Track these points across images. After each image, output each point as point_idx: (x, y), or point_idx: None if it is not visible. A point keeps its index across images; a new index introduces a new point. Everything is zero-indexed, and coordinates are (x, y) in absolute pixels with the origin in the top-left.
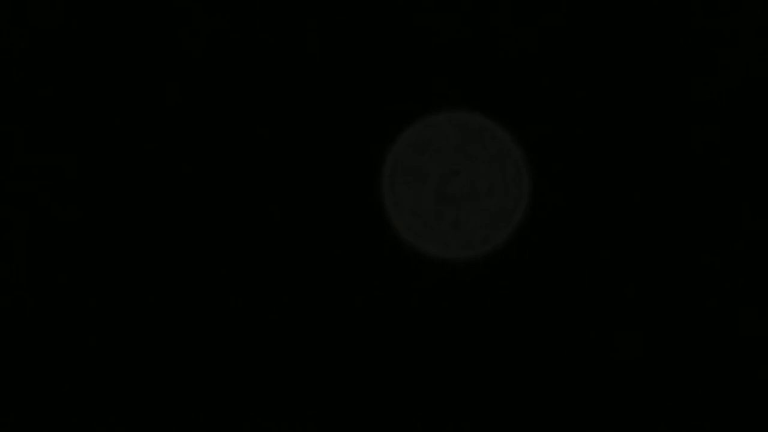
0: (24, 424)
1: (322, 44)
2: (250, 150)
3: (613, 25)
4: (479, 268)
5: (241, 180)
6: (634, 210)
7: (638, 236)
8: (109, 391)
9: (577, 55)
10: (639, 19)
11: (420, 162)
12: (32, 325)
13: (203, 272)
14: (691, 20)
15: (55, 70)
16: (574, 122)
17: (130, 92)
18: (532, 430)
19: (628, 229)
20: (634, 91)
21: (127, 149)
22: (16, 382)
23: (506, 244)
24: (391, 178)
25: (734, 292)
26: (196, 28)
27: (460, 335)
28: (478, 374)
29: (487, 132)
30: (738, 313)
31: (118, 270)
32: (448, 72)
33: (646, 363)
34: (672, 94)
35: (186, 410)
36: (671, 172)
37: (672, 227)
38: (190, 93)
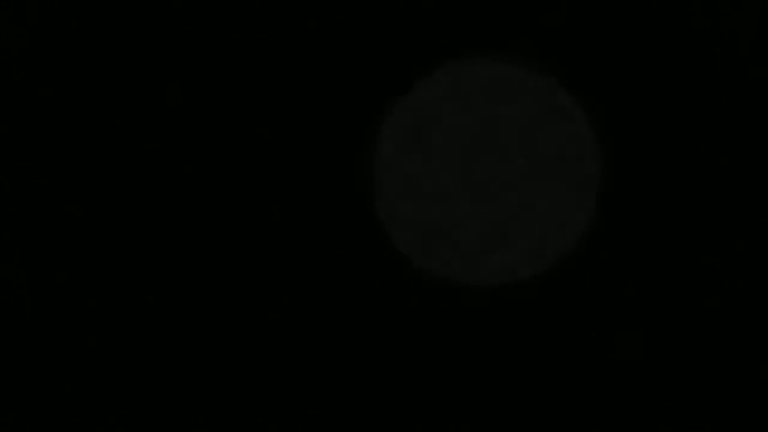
0: (24, 424)
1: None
2: (246, 148)
3: None
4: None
5: (226, 184)
6: (634, 209)
7: (638, 236)
8: (109, 391)
9: None
10: None
11: (426, 136)
12: (32, 325)
13: (200, 271)
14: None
15: (55, 70)
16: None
17: (128, 92)
18: (532, 430)
19: (627, 228)
20: (636, 89)
21: (125, 148)
22: (16, 382)
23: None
24: (385, 165)
25: (734, 292)
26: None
27: (459, 336)
28: (477, 373)
29: (533, 88)
30: (738, 313)
31: (112, 269)
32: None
33: (646, 363)
34: (673, 93)
35: (180, 412)
36: (670, 171)
37: (672, 227)
38: (188, 88)
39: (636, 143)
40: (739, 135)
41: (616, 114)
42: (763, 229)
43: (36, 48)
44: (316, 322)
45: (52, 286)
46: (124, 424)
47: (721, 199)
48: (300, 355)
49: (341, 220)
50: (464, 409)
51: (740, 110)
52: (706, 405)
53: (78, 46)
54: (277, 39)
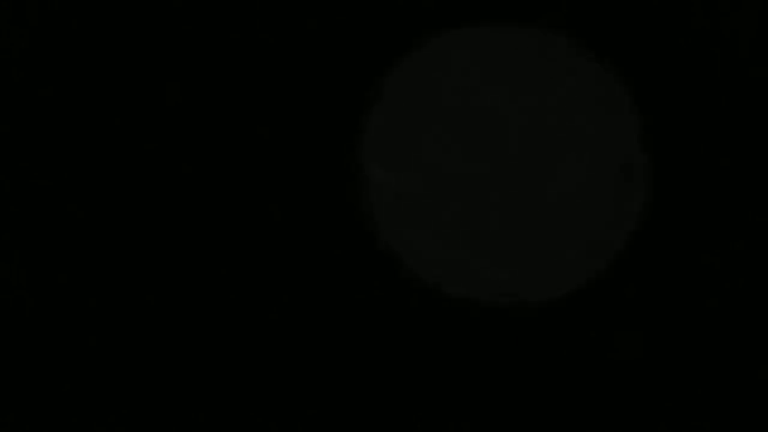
0: (24, 424)
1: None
2: (238, 145)
3: None
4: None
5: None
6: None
7: (637, 236)
8: (109, 391)
9: None
10: None
11: (424, 120)
12: (32, 325)
13: (197, 273)
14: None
15: (55, 70)
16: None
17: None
18: (532, 430)
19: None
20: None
21: (125, 148)
22: (17, 382)
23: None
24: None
25: (734, 292)
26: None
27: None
28: (477, 373)
29: (559, 56)
30: (738, 313)
31: (111, 269)
32: None
33: (646, 363)
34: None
35: (176, 412)
36: (669, 171)
37: (671, 227)
38: (189, 89)
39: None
40: (739, 135)
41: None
42: (763, 229)
43: (36, 48)
44: (303, 330)
45: (52, 286)
46: (124, 424)
47: (721, 199)
48: (286, 361)
49: (327, 221)
50: (463, 406)
51: (740, 110)
52: (706, 405)
53: (78, 46)
54: (262, 24)
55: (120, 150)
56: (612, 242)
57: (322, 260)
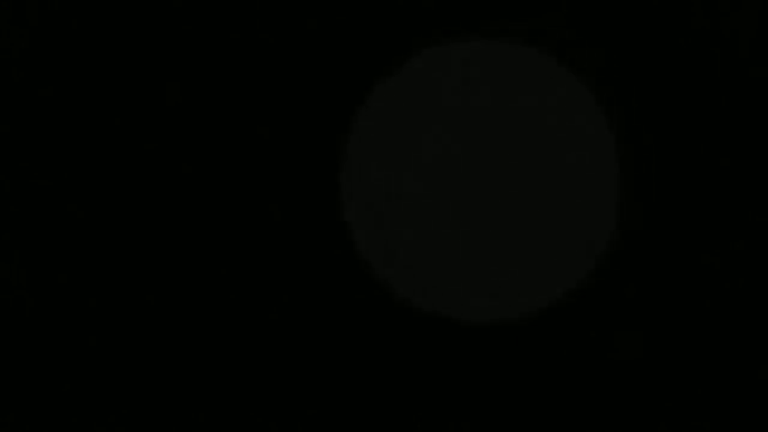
0: (24, 424)
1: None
2: (236, 148)
3: None
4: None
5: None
6: (635, 209)
7: (637, 236)
8: (109, 391)
9: None
10: None
11: (407, 136)
12: (32, 325)
13: (196, 273)
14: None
15: (55, 70)
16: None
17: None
18: (532, 430)
19: (628, 228)
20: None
21: (125, 148)
22: (17, 382)
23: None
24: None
25: (734, 292)
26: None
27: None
28: (477, 374)
29: (538, 73)
30: (738, 313)
31: (110, 269)
32: None
33: (646, 363)
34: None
35: (170, 412)
36: (669, 171)
37: (672, 227)
38: (189, 90)
39: (634, 143)
40: (739, 135)
41: (614, 115)
42: (763, 229)
43: (36, 48)
44: (286, 331)
45: (52, 286)
46: (124, 424)
47: (721, 199)
48: (275, 362)
49: (315, 225)
50: (464, 406)
51: (740, 110)
52: (706, 405)
53: (78, 46)
54: (264, 34)
55: (120, 150)
56: (596, 244)
57: (306, 266)
